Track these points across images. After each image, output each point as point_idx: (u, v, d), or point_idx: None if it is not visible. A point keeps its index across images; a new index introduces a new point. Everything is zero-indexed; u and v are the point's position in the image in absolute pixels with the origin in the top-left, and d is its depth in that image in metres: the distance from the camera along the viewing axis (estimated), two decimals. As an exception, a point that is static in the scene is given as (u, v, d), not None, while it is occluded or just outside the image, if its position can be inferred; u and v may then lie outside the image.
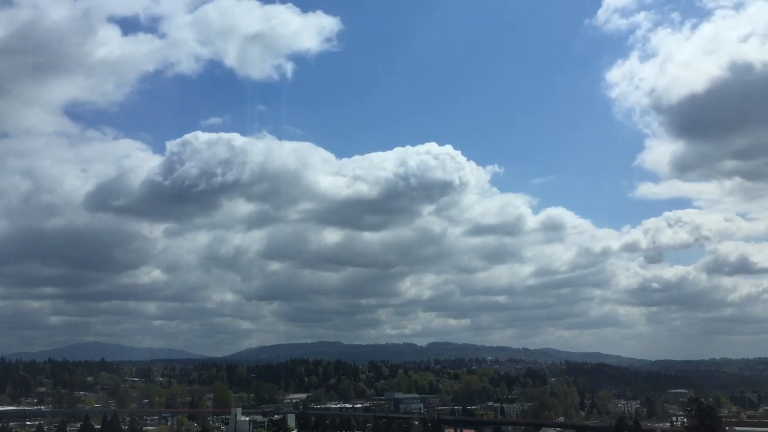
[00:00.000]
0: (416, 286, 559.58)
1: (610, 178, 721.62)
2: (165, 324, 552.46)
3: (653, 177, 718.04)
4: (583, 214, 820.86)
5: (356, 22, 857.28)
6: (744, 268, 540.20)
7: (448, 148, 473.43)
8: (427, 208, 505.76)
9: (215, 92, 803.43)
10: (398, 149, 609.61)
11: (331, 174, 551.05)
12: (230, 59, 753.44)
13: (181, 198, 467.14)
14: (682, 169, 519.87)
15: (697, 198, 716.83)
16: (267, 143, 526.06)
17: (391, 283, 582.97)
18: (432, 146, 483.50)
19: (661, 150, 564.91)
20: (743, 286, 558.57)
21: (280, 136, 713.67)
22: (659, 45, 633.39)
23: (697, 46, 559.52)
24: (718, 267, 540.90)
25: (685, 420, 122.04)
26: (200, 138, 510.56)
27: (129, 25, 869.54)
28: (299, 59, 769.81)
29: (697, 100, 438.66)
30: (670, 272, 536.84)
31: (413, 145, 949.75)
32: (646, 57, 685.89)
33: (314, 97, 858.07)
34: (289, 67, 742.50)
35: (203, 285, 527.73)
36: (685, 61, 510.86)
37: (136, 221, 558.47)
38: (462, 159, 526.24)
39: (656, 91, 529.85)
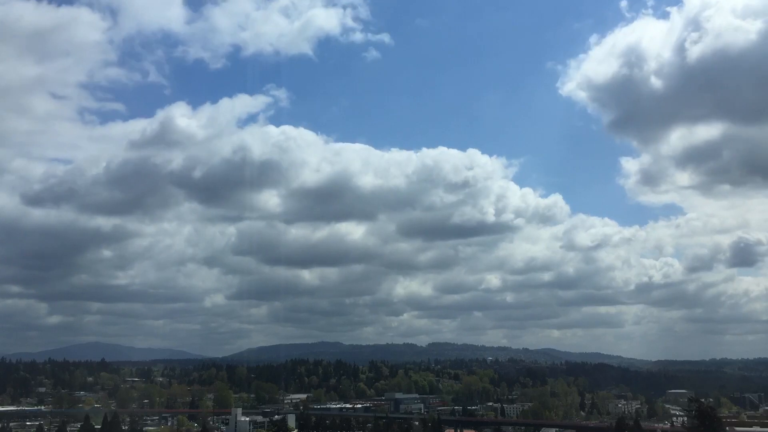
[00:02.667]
0: (416, 286, 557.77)
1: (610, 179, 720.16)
2: (165, 324, 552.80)
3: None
4: (583, 212, 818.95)
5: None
6: (744, 268, 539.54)
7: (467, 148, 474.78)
8: (431, 206, 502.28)
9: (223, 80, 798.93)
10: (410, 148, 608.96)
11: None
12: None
13: (179, 194, 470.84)
14: (647, 183, 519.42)
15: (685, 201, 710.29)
16: (269, 134, 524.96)
17: (391, 283, 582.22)
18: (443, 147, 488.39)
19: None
20: (743, 287, 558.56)
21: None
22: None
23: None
24: (717, 267, 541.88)
25: (686, 420, 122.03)
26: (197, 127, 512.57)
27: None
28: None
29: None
30: (670, 273, 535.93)
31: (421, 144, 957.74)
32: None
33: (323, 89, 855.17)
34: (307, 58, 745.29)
35: (203, 285, 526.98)
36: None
37: (134, 219, 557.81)
38: (476, 157, 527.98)
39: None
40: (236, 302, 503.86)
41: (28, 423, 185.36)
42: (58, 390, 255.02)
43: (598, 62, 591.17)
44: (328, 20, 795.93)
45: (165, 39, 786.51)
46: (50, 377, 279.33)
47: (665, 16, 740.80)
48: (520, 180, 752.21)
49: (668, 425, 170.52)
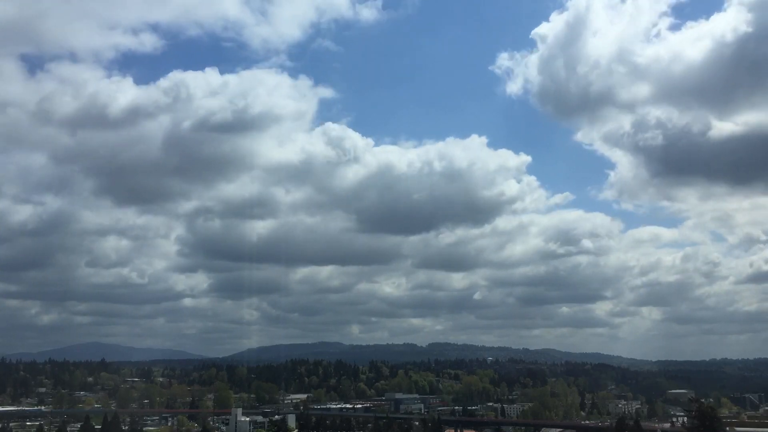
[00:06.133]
0: (415, 285, 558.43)
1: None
2: (165, 324, 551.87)
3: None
4: (585, 211, 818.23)
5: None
6: (744, 269, 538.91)
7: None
8: (429, 202, 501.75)
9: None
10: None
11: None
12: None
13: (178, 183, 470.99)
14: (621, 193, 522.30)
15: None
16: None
17: (391, 282, 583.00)
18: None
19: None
20: (743, 287, 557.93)
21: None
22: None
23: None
24: (717, 267, 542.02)
25: (686, 420, 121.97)
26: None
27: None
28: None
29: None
30: (669, 273, 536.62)
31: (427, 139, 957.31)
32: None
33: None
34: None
35: (202, 285, 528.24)
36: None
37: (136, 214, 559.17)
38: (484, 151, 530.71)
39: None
40: (236, 302, 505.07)
41: (28, 423, 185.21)
42: (58, 390, 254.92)
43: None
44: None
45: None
46: (50, 377, 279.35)
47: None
48: (527, 177, 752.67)
49: (668, 425, 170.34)
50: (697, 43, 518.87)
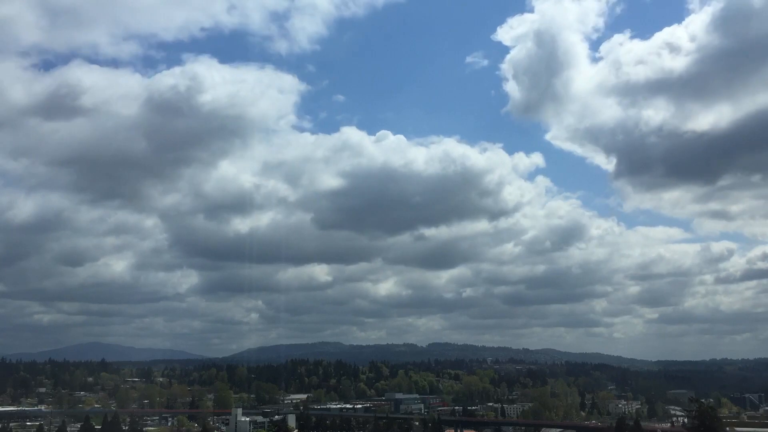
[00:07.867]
0: (415, 285, 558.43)
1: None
2: (165, 324, 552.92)
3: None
4: (588, 211, 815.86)
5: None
6: (743, 268, 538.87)
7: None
8: (429, 200, 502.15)
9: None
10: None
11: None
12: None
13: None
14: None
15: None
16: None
17: (391, 282, 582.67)
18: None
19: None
20: (743, 286, 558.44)
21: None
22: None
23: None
24: (717, 267, 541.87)
25: (686, 421, 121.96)
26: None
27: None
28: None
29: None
30: (669, 273, 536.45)
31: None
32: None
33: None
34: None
35: (202, 285, 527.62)
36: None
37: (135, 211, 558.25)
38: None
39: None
40: (236, 302, 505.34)
41: (28, 423, 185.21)
42: (59, 390, 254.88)
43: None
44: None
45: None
46: (50, 377, 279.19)
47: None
48: (531, 177, 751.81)
49: (668, 425, 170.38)
50: (686, 37, 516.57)
